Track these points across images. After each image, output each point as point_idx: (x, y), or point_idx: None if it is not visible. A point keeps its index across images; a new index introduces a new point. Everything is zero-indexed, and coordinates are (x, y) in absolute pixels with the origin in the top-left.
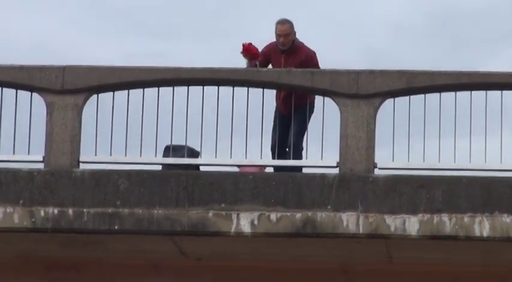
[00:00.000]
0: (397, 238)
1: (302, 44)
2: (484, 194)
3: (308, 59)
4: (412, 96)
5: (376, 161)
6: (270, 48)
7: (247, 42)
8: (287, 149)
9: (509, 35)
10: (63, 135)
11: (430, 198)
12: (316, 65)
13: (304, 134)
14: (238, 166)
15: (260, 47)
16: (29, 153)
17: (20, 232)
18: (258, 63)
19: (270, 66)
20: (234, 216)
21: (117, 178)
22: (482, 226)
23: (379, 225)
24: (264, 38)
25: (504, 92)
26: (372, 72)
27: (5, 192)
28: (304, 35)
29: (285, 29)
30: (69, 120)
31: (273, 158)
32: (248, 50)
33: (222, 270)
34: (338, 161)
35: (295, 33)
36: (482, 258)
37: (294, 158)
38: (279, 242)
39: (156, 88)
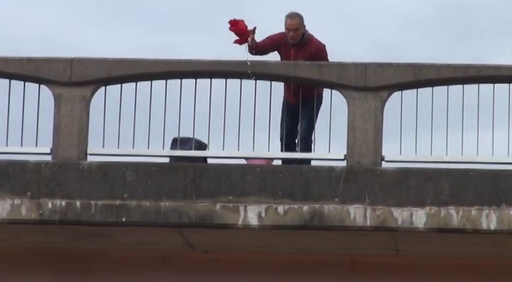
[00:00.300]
0: (404, 231)
1: (312, 36)
2: (491, 187)
3: (318, 52)
4: (419, 89)
5: (383, 154)
6: (281, 38)
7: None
8: (296, 141)
9: None
10: (71, 127)
11: (437, 191)
12: (325, 58)
13: (313, 127)
14: (246, 158)
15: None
16: (36, 145)
17: (27, 224)
18: (247, 44)
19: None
20: (242, 208)
21: (124, 170)
22: (489, 219)
23: (387, 218)
24: (273, 31)
25: None
26: (379, 65)
27: (13, 184)
28: (312, 28)
29: (295, 23)
30: (77, 112)
31: (282, 149)
32: (235, 25)
33: (229, 263)
34: (345, 153)
35: (304, 26)
36: (490, 251)
37: (303, 151)
38: (286, 235)
39: (164, 80)
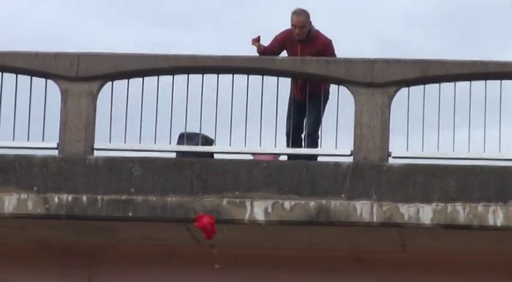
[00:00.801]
0: (411, 227)
1: (318, 32)
2: (497, 183)
3: (325, 48)
4: (426, 86)
5: (390, 150)
6: (286, 36)
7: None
8: (302, 136)
9: None
10: (78, 122)
11: (444, 188)
12: (332, 54)
13: (320, 122)
14: (252, 154)
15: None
16: (43, 140)
17: (34, 218)
18: (257, 50)
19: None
20: (248, 204)
21: (131, 165)
22: (495, 215)
23: (393, 213)
24: (279, 27)
25: None
26: (386, 61)
27: (19, 178)
28: (318, 25)
29: (301, 20)
30: (84, 107)
31: (288, 144)
32: (200, 221)
33: (235, 258)
34: (352, 149)
35: (310, 22)
36: (496, 247)
37: (310, 147)
38: (292, 230)
39: (171, 76)
